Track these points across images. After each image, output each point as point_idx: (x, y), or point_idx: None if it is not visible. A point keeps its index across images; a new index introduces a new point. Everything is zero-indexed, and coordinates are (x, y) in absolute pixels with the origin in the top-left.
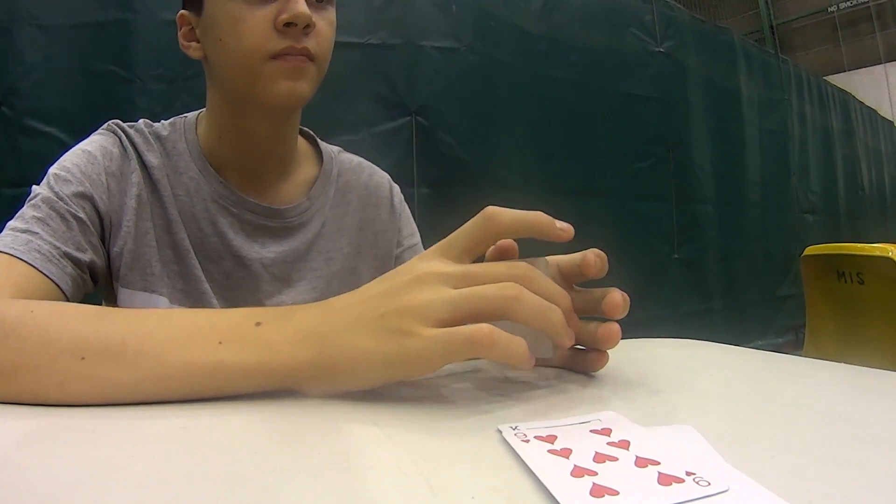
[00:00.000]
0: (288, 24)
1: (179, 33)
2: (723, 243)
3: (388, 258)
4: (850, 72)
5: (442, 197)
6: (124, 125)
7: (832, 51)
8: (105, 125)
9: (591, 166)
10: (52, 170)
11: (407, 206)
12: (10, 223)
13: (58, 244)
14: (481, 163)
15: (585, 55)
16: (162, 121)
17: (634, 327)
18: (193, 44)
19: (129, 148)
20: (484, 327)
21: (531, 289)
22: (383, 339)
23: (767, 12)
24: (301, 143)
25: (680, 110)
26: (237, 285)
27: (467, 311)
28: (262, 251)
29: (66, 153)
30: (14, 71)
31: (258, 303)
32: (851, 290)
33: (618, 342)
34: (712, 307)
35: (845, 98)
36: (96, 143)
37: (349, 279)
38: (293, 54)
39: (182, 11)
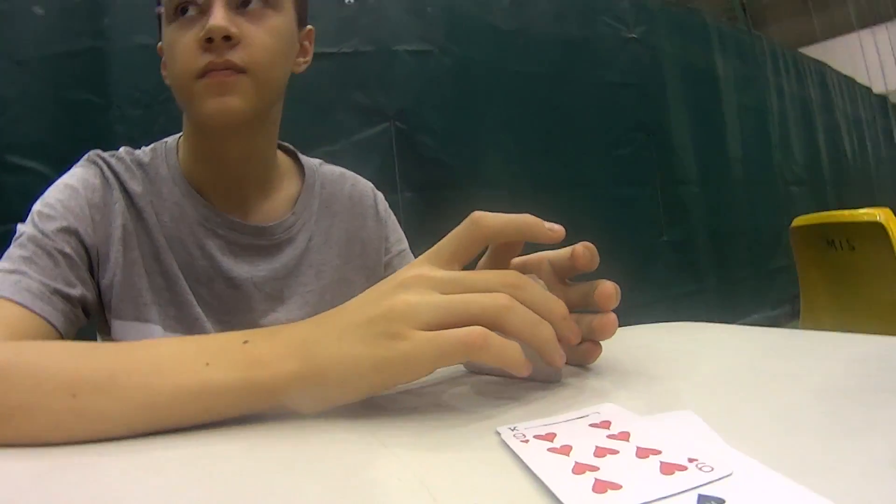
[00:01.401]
0: (209, 40)
1: (161, 64)
2: (710, 222)
3: (377, 266)
4: (824, 42)
5: (426, 200)
6: (105, 155)
7: (804, 23)
8: (86, 156)
9: (573, 157)
10: (36, 207)
11: (392, 213)
12: None
13: (47, 281)
14: (463, 163)
15: (559, 47)
16: (143, 147)
17: (629, 312)
18: (164, 72)
19: (111, 178)
20: (477, 329)
21: (523, 297)
22: (372, 343)
23: None
24: (282, 158)
25: (657, 94)
26: (230, 307)
27: (458, 317)
28: (252, 270)
29: (49, 189)
30: None
31: (252, 322)
32: (843, 257)
33: (615, 332)
34: (705, 286)
35: (821, 69)
36: (77, 176)
37: (341, 291)
38: (217, 69)
39: (160, 42)
